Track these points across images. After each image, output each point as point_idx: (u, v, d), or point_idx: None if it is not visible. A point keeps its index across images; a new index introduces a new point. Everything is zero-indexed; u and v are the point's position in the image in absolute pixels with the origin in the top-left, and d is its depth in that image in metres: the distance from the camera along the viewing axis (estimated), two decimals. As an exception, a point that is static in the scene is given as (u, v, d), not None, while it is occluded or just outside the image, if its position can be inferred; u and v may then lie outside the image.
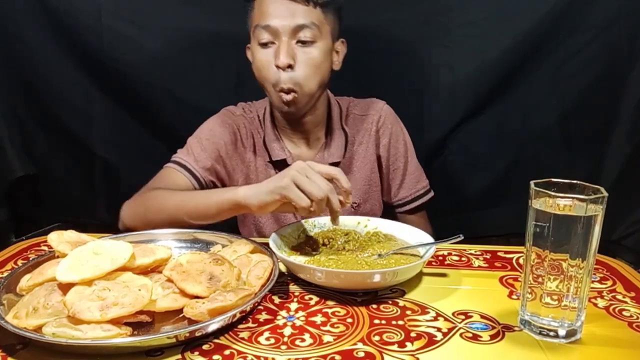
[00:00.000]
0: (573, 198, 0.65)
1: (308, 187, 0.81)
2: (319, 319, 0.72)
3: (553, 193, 0.66)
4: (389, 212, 1.25)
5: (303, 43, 1.02)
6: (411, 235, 0.93)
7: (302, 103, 1.07)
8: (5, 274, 0.80)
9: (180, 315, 0.68)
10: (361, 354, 0.64)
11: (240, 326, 0.70)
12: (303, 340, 0.67)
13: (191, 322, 0.66)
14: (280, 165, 1.16)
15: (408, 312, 0.74)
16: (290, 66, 1.02)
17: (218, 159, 1.14)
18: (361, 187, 1.19)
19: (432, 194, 1.24)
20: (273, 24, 1.01)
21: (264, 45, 1.04)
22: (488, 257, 0.94)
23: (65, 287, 0.67)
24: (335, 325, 0.70)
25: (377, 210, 1.23)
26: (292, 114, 1.10)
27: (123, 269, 0.71)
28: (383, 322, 0.71)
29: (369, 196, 1.20)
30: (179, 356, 0.63)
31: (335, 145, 1.16)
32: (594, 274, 0.86)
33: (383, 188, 1.23)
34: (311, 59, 1.03)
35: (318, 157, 1.16)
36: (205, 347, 0.65)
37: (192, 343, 0.65)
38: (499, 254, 0.95)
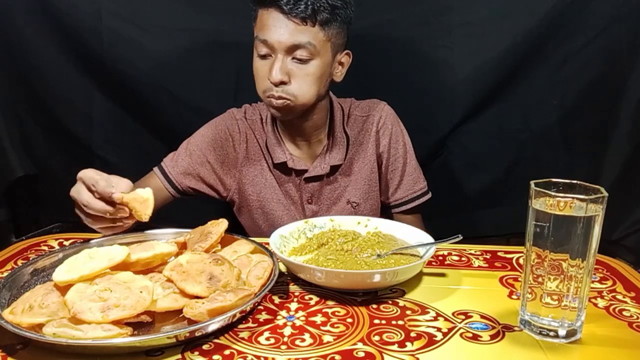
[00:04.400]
0: (573, 198, 0.65)
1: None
2: (319, 319, 0.72)
3: (553, 193, 0.66)
4: (385, 211, 1.25)
5: (299, 60, 1.02)
6: (411, 235, 0.93)
7: (296, 111, 1.07)
8: (5, 274, 0.80)
9: (180, 315, 0.68)
10: (361, 354, 0.64)
11: (240, 326, 0.70)
12: (303, 340, 0.67)
13: (191, 322, 0.66)
14: (282, 168, 1.16)
15: (408, 312, 0.74)
16: (283, 82, 1.02)
17: (205, 164, 1.16)
18: (361, 187, 1.19)
19: (429, 195, 1.24)
20: (270, 40, 1.01)
21: (262, 56, 1.04)
22: (488, 257, 0.94)
23: (63, 289, 0.67)
24: (335, 325, 0.70)
25: (375, 209, 1.23)
26: (286, 118, 1.10)
27: (123, 265, 0.71)
28: (383, 322, 0.71)
29: (368, 196, 1.20)
30: (179, 356, 0.63)
31: (337, 149, 1.16)
32: (594, 274, 0.86)
33: (381, 188, 1.23)
34: (307, 74, 1.03)
35: (319, 160, 1.16)
36: (205, 347, 0.65)
37: (192, 343, 0.65)
38: (499, 254, 0.95)
